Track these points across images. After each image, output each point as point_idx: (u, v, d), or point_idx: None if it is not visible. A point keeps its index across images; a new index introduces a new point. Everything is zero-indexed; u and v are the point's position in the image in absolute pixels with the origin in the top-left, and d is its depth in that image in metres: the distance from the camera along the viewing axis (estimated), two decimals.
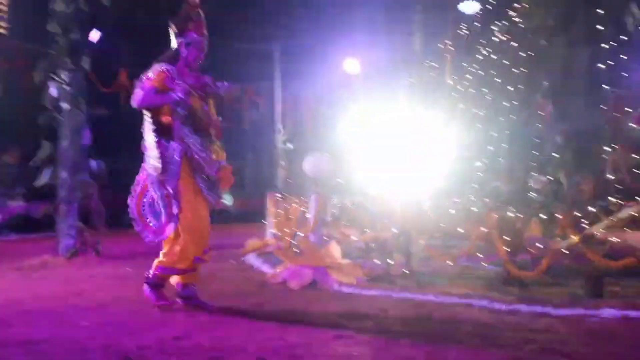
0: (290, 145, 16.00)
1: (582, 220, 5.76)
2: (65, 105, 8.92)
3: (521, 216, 6.29)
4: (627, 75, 6.78)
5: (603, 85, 6.87)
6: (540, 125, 7.25)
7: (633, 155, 5.57)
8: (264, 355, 3.87)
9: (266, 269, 7.44)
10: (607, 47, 6.89)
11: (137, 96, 5.15)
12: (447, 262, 7.04)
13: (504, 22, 7.98)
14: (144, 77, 5.19)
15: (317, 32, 16.04)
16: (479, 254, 6.95)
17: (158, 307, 5.23)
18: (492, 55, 8.05)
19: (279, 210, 9.23)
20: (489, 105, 7.88)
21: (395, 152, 7.23)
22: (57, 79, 8.90)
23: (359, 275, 6.61)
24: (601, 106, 6.32)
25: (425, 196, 7.38)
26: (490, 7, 8.79)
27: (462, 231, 7.20)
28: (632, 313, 4.76)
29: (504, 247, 6.05)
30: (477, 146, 7.79)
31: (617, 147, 5.88)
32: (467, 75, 8.50)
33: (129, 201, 5.31)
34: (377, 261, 7.43)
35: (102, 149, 10.64)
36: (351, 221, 9.41)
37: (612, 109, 5.97)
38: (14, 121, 13.05)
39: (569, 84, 7.04)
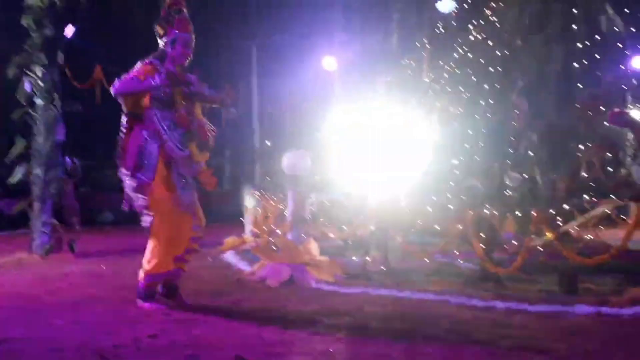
0: (267, 143, 15.97)
1: (557, 217, 5.83)
2: (39, 101, 8.81)
3: (497, 214, 6.34)
4: (601, 74, 6.86)
5: (578, 84, 6.95)
6: (515, 124, 7.31)
7: (607, 154, 5.64)
8: (242, 352, 3.85)
9: (244, 266, 7.42)
10: (581, 46, 6.97)
11: (116, 83, 5.11)
12: (424, 259, 7.08)
13: (479, 20, 8.04)
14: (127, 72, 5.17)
15: (295, 29, 16.02)
16: (455, 251, 7.01)
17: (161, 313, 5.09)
18: (469, 54, 8.10)
19: (257, 208, 9.21)
20: (465, 103, 7.92)
21: (373, 150, 7.25)
22: (31, 74, 8.79)
23: (337, 273, 6.62)
24: (576, 105, 6.38)
25: (402, 194, 7.42)
26: (466, 6, 8.84)
27: (438, 228, 7.24)
28: (606, 309, 4.83)
29: (480, 244, 6.10)
30: (453, 144, 7.84)
31: (591, 145, 5.96)
32: (444, 74, 8.54)
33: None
34: (354, 258, 7.46)
35: (77, 145, 10.53)
36: (329, 219, 9.43)
37: (586, 108, 6.04)
38: None
39: (544, 82, 7.11)
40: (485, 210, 6.39)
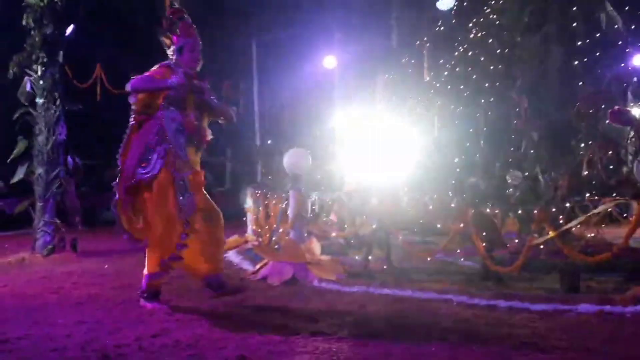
0: (269, 142, 15.96)
1: (559, 216, 5.82)
2: (40, 100, 8.81)
3: (498, 212, 6.34)
4: (601, 72, 6.86)
5: (578, 82, 6.95)
6: (516, 122, 7.30)
7: (608, 152, 5.64)
8: (244, 352, 3.87)
9: (246, 265, 7.43)
10: (581, 44, 6.96)
11: (132, 81, 5.11)
12: (426, 258, 7.08)
13: (480, 18, 8.04)
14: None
15: (295, 28, 16.00)
16: (457, 250, 7.01)
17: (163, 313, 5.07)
18: (469, 52, 8.10)
19: (258, 207, 9.21)
20: (466, 101, 7.92)
21: (374, 149, 7.27)
22: (31, 73, 8.79)
23: (339, 272, 6.62)
24: (576, 103, 6.38)
25: (403, 192, 7.43)
26: (466, 3, 8.83)
27: (440, 227, 7.25)
28: (608, 308, 4.83)
29: (481, 243, 6.10)
30: (454, 142, 7.84)
31: (592, 143, 5.95)
32: (444, 72, 8.54)
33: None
34: (356, 257, 7.46)
35: (78, 145, 10.53)
36: (330, 217, 9.44)
37: (587, 106, 6.03)
38: None
39: (544, 80, 7.10)
40: (486, 209, 6.39)
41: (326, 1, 14.57)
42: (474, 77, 7.70)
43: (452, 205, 6.78)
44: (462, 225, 6.41)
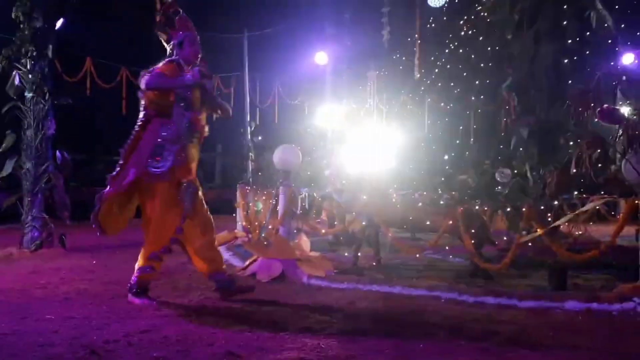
0: (259, 138, 15.93)
1: (547, 213, 5.85)
2: (29, 94, 8.75)
3: (487, 209, 6.36)
4: (591, 70, 6.89)
5: (568, 80, 6.98)
6: (506, 119, 7.33)
7: (597, 150, 5.66)
8: (233, 348, 3.87)
9: (235, 261, 7.42)
10: (571, 42, 6.99)
11: (145, 78, 5.07)
12: (415, 254, 7.10)
13: (470, 16, 8.06)
14: (150, 69, 5.14)
15: (287, 23, 15.98)
16: (446, 247, 7.03)
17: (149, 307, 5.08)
18: (460, 49, 8.12)
19: (248, 203, 9.20)
20: (456, 98, 7.95)
21: (363, 146, 7.28)
22: (21, 67, 8.73)
23: (328, 268, 6.63)
24: (566, 101, 6.41)
25: (393, 189, 7.44)
26: (457, 1, 8.85)
27: (429, 224, 7.26)
28: (595, 305, 4.87)
29: (470, 240, 6.12)
30: (444, 139, 7.86)
31: (581, 141, 5.98)
32: (435, 69, 8.56)
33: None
34: (345, 254, 7.47)
35: (67, 139, 10.47)
36: (320, 214, 9.44)
37: (576, 104, 6.06)
38: None
39: (534, 78, 7.13)
40: (475, 206, 6.41)
41: None
42: (465, 74, 7.73)
43: (442, 202, 6.80)
44: (451, 222, 6.43)
